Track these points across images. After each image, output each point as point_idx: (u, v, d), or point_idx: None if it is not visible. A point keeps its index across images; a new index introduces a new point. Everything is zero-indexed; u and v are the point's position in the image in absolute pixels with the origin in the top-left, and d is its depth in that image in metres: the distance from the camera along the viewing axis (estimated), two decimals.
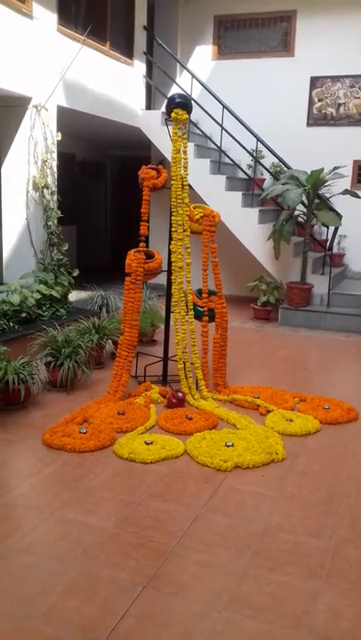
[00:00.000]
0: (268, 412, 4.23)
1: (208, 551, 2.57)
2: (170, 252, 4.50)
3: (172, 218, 4.44)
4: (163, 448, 3.52)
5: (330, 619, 2.18)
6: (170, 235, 4.49)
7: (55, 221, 6.13)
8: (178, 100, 4.32)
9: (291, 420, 4.04)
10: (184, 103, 4.31)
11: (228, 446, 3.54)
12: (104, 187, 11.45)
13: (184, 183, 4.42)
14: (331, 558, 2.56)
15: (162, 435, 3.77)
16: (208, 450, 3.51)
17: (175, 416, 4.04)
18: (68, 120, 6.57)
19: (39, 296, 5.67)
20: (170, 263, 4.52)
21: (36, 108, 5.86)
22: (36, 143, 5.90)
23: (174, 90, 8.17)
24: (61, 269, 6.17)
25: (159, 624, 2.12)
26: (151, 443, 3.57)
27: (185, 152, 4.40)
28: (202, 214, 4.52)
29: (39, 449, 3.55)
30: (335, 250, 8.12)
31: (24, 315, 5.43)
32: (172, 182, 4.40)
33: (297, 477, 3.31)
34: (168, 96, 4.49)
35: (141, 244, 4.43)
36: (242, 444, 3.58)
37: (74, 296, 6.88)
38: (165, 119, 4.43)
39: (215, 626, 2.13)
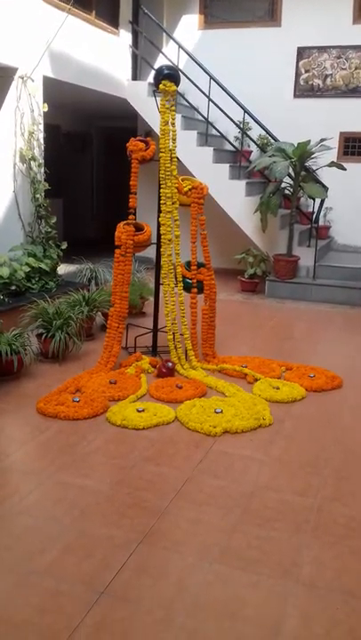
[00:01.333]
0: (256, 380, 4.35)
1: (199, 510, 2.70)
2: (159, 225, 4.55)
3: (161, 190, 4.48)
4: (154, 415, 3.63)
5: (315, 569, 2.33)
6: (159, 207, 4.53)
7: (43, 194, 6.13)
8: (166, 71, 4.32)
9: (277, 388, 4.16)
10: (172, 75, 4.32)
11: (217, 413, 3.66)
12: (90, 159, 11.35)
13: (173, 155, 4.45)
14: (316, 515, 2.70)
15: (153, 403, 3.87)
16: (198, 416, 3.62)
17: (166, 385, 4.14)
18: (54, 91, 6.50)
19: (28, 269, 5.70)
20: (159, 236, 4.57)
21: (22, 78, 5.80)
22: (23, 115, 5.86)
23: (161, 60, 8.09)
24: (50, 242, 6.19)
25: (154, 576, 2.25)
26: (143, 410, 3.68)
27: (173, 124, 4.42)
28: (190, 186, 4.56)
29: (33, 417, 3.64)
30: (321, 222, 8.19)
31: (13, 287, 5.46)
32: (161, 154, 4.42)
33: (283, 441, 3.44)
34: (156, 68, 4.46)
35: (131, 217, 4.47)
36: (230, 411, 3.70)
37: (62, 269, 6.90)
38: (153, 91, 4.43)
39: (207, 577, 2.26)
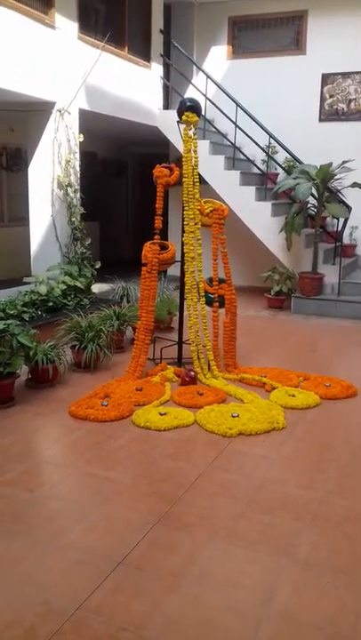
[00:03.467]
0: (274, 388, 4.62)
1: (210, 499, 2.99)
2: (183, 244, 4.90)
3: (184, 212, 4.84)
4: (175, 418, 3.94)
5: (310, 550, 2.58)
6: (182, 228, 4.89)
7: (78, 217, 6.59)
8: (188, 104, 4.72)
9: (293, 396, 4.42)
10: (194, 107, 4.71)
11: (233, 417, 3.94)
12: (125, 183, 11.90)
13: (195, 180, 4.82)
14: (317, 506, 2.94)
15: (175, 407, 4.19)
16: (216, 419, 3.91)
17: (188, 392, 4.46)
18: (90, 121, 7.01)
19: (64, 287, 6.14)
20: (183, 254, 4.92)
21: (60, 111, 6.31)
22: (60, 145, 6.36)
23: (190, 90, 8.57)
24: (84, 262, 6.63)
25: (166, 551, 2.55)
26: (165, 414, 3.99)
27: (195, 151, 4.79)
28: (212, 208, 4.91)
29: (66, 419, 4.00)
30: (347, 241, 8.43)
31: (51, 304, 5.90)
32: (184, 179, 4.80)
33: (294, 443, 3.69)
34: (180, 100, 4.87)
35: (156, 237, 4.84)
36: (246, 415, 3.98)
37: (96, 288, 7.33)
38: (177, 121, 4.82)
39: (213, 553, 2.55)
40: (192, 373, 4.73)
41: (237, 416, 3.96)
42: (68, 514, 2.85)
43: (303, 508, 2.92)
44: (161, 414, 3.98)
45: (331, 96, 8.82)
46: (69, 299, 6.23)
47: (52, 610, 2.17)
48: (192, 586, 2.33)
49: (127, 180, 11.91)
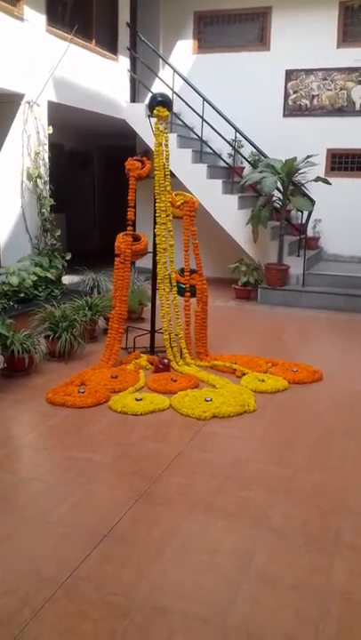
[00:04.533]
0: (244, 374, 4.80)
1: (188, 476, 3.14)
2: (154, 235, 5.03)
3: (156, 204, 4.96)
4: (151, 403, 4.08)
5: (284, 520, 2.76)
6: (154, 219, 5.01)
7: (48, 209, 6.63)
8: (159, 98, 4.84)
9: (262, 381, 4.61)
10: (165, 102, 4.83)
11: (207, 401, 4.11)
12: (91, 175, 11.91)
13: (166, 173, 4.94)
14: (288, 480, 3.14)
15: (150, 393, 4.32)
16: (190, 404, 4.07)
17: (162, 379, 4.60)
18: (58, 113, 7.03)
19: (35, 278, 6.18)
20: (155, 245, 5.05)
21: (29, 103, 6.33)
22: (29, 136, 6.38)
23: (157, 83, 8.67)
24: (55, 253, 6.68)
25: (148, 524, 2.69)
26: (141, 399, 4.13)
27: (166, 145, 4.91)
28: (183, 201, 5.04)
29: (43, 406, 4.09)
30: (311, 233, 8.70)
31: (22, 295, 5.94)
32: (156, 172, 4.91)
33: (265, 424, 3.88)
34: (150, 95, 4.98)
35: (129, 228, 4.95)
36: (219, 399, 4.15)
37: (67, 279, 7.38)
38: (148, 115, 4.93)
39: (193, 525, 2.70)
40: (165, 361, 4.87)
41: (210, 400, 4.12)
42: (53, 493, 2.96)
43: (276, 482, 3.11)
44: (137, 400, 4.11)
45: (294, 92, 9.05)
46: (40, 290, 6.28)
47: (45, 579, 2.29)
48: (175, 554, 2.48)
49: (93, 172, 11.92)
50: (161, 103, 4.80)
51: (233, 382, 4.60)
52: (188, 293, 5.16)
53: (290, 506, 2.89)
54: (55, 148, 10.29)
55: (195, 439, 3.60)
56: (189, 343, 5.18)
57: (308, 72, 8.94)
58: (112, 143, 10.97)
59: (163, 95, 4.90)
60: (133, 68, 8.68)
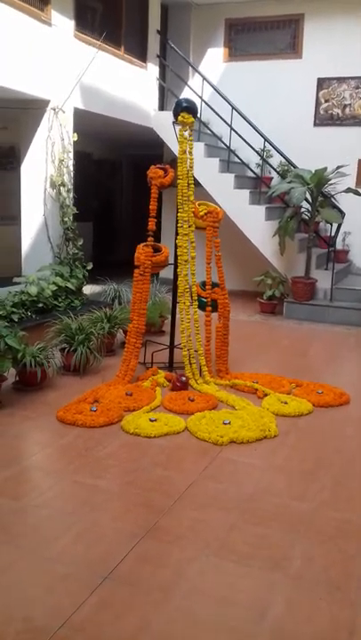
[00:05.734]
0: (266, 395, 4.55)
1: (201, 510, 2.91)
2: (176, 246, 4.83)
3: (179, 214, 4.77)
4: (165, 424, 3.86)
5: (304, 564, 2.51)
6: (176, 230, 4.82)
7: (71, 217, 6.50)
8: (184, 104, 4.65)
9: (285, 403, 4.35)
10: (190, 107, 4.64)
11: (225, 424, 3.87)
12: (120, 185, 11.82)
13: (190, 182, 4.74)
14: (311, 517, 2.88)
15: (166, 413, 4.11)
16: (207, 427, 3.84)
17: (178, 398, 4.38)
18: (85, 121, 6.93)
19: (55, 288, 6.04)
20: (176, 257, 4.85)
21: (54, 110, 6.22)
22: (54, 143, 6.27)
23: (186, 91, 8.51)
24: (76, 263, 6.54)
25: (155, 564, 2.46)
26: (155, 420, 3.91)
27: (191, 152, 4.72)
28: (206, 211, 4.84)
29: (53, 424, 3.91)
30: (340, 246, 8.41)
31: (41, 305, 5.80)
32: (179, 181, 4.72)
33: (286, 451, 3.63)
34: (176, 101, 4.80)
35: (149, 239, 4.76)
36: (238, 422, 3.91)
37: (88, 289, 7.25)
38: (173, 122, 4.75)
39: (203, 567, 2.47)
40: (183, 378, 4.65)
41: (229, 423, 3.88)
42: (55, 523, 2.76)
43: (296, 519, 2.85)
44: (151, 420, 3.90)
45: (326, 101, 8.79)
46: (60, 300, 6.14)
47: (34, 627, 2.08)
48: (182, 601, 2.25)
49: (122, 182, 11.83)
50: (186, 109, 4.61)
51: (254, 404, 4.36)
52: (210, 308, 4.94)
53: (310, 547, 2.63)
54: (83, 156, 10.25)
55: (210, 467, 3.37)
56: (209, 360, 4.95)
57: (341, 80, 8.68)
58: (140, 152, 10.86)
59: (188, 101, 4.72)
60: (162, 76, 8.56)
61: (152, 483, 3.16)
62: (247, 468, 3.37)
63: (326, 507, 2.98)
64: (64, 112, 6.29)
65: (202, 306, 4.93)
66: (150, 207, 4.74)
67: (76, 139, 6.47)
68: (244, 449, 3.63)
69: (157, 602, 2.24)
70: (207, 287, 4.93)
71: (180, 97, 8.13)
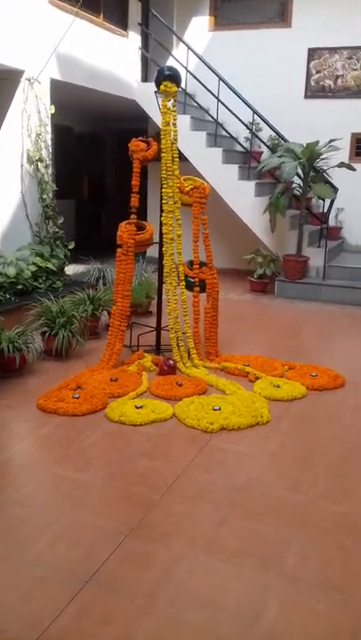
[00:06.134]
0: (257, 378, 4.36)
1: (189, 503, 2.73)
2: (161, 224, 4.59)
3: (163, 190, 4.51)
4: (152, 411, 3.67)
5: (299, 562, 2.34)
6: (161, 207, 4.57)
7: (50, 194, 6.21)
8: (167, 72, 4.37)
9: (278, 387, 4.17)
10: (173, 75, 4.36)
11: (215, 410, 3.68)
12: (103, 160, 11.46)
13: (174, 155, 4.49)
14: (305, 510, 2.70)
15: (152, 400, 3.91)
16: (196, 413, 3.65)
17: (166, 382, 4.18)
18: (63, 93, 6.60)
19: (35, 268, 5.78)
20: (161, 235, 4.61)
21: (29, 81, 5.89)
22: (30, 116, 5.95)
23: (171, 62, 8.15)
24: (57, 242, 6.27)
25: (139, 566, 2.28)
26: (141, 407, 3.71)
27: (175, 124, 4.45)
28: (192, 186, 4.59)
29: (34, 413, 3.70)
30: (332, 223, 8.18)
31: (20, 287, 5.55)
32: (163, 155, 4.46)
33: (279, 438, 3.45)
34: (158, 69, 4.51)
35: (132, 216, 4.51)
36: (229, 408, 3.72)
37: (71, 269, 7.00)
38: (155, 92, 4.47)
39: (192, 567, 2.29)
40: (171, 362, 4.45)
41: (219, 409, 3.70)
42: (33, 522, 2.56)
43: (290, 512, 2.68)
44: (137, 407, 3.70)
45: (317, 72, 8.48)
46: (40, 281, 5.88)
47: None
48: (169, 608, 2.07)
49: (104, 157, 11.47)
50: (169, 77, 4.33)
51: (245, 388, 4.17)
52: (198, 288, 4.72)
53: (306, 544, 2.46)
54: (63, 130, 9.87)
55: (199, 456, 3.18)
56: (198, 342, 4.75)
57: (333, 51, 8.36)
58: (124, 126, 10.48)
59: (171, 69, 4.43)
60: (145, 46, 8.19)
61: (137, 475, 2.97)
62: (238, 457, 3.19)
63: (322, 498, 2.81)
64: (40, 83, 5.96)
65: (189, 286, 4.71)
66: (132, 182, 4.48)
67: (53, 111, 6.15)
68: (234, 436, 3.45)
69: (142, 608, 2.06)
70: (195, 266, 4.71)
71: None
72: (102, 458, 3.14)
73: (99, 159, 11.38)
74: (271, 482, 2.94)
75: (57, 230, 6.26)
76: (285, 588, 2.19)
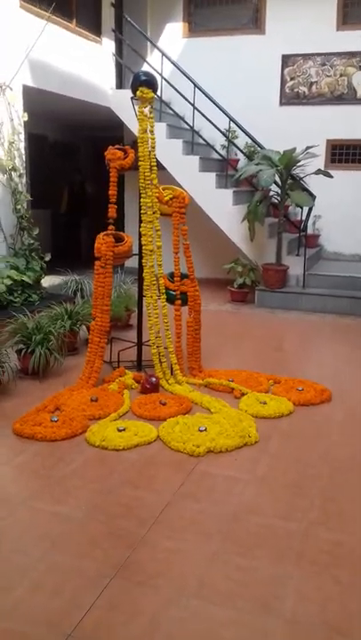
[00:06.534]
0: (243, 394, 4.22)
1: (178, 537, 2.55)
2: (140, 235, 4.42)
3: (141, 200, 4.35)
4: (135, 435, 3.49)
5: (298, 602, 2.18)
6: (140, 217, 4.41)
7: (25, 205, 6.00)
8: (143, 77, 4.21)
9: (264, 403, 4.03)
10: (149, 81, 4.21)
11: (201, 431, 3.52)
12: (77, 168, 11.26)
13: (152, 164, 4.33)
14: (300, 541, 2.56)
15: (135, 421, 3.73)
16: (181, 435, 3.48)
17: (149, 401, 4.00)
18: (37, 100, 6.41)
19: (10, 282, 5.57)
20: (140, 246, 4.45)
21: (1, 87, 5.69)
22: (2, 124, 5.74)
23: (145, 68, 8.00)
24: (33, 254, 6.06)
25: (127, 614, 2.10)
26: (124, 429, 3.53)
27: (152, 132, 4.30)
28: (171, 196, 4.44)
29: (9, 439, 3.49)
30: (310, 230, 8.11)
31: None
32: (140, 163, 4.31)
33: (269, 460, 3.30)
34: (134, 74, 4.35)
35: (110, 227, 4.34)
36: (215, 429, 3.56)
37: (48, 281, 6.78)
38: (131, 98, 4.32)
39: (183, 613, 2.12)
40: (153, 379, 4.28)
41: (205, 430, 3.53)
42: (9, 567, 2.36)
43: (285, 544, 2.53)
44: (119, 430, 3.52)
45: (292, 78, 8.43)
46: (16, 295, 5.66)
47: None
48: None
49: (79, 166, 11.27)
50: (145, 83, 4.18)
51: (231, 405, 4.02)
52: (179, 301, 4.56)
53: (304, 580, 2.31)
54: (38, 139, 9.66)
55: (186, 483, 3.01)
56: (181, 357, 4.58)
57: (306, 57, 8.33)
58: (99, 134, 10.31)
59: (147, 74, 4.28)
60: (119, 52, 8.04)
61: (121, 506, 2.78)
62: (227, 483, 3.03)
63: (316, 526, 2.66)
64: (12, 89, 5.76)
65: (170, 299, 4.55)
66: (110, 192, 4.30)
67: (26, 119, 5.95)
68: (222, 459, 3.29)
69: None
70: (176, 279, 4.55)
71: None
72: (83, 488, 2.95)
73: (75, 168, 11.17)
74: (263, 510, 2.79)
75: (32, 242, 6.05)
76: (285, 633, 2.04)
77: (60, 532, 2.57)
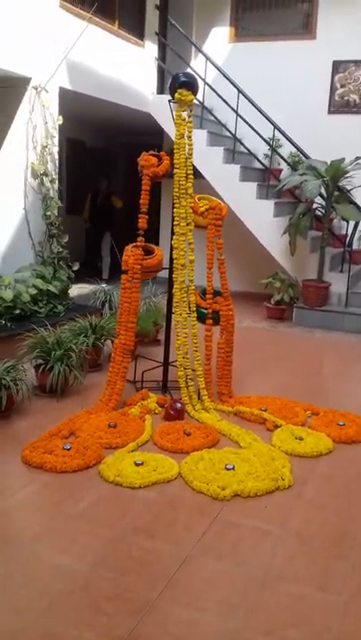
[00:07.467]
0: (276, 427, 3.82)
1: (195, 605, 2.18)
2: (171, 248, 4.09)
3: (175, 210, 4.03)
4: (154, 470, 3.13)
5: None
6: (172, 229, 4.08)
7: (55, 211, 5.76)
8: (182, 79, 3.90)
9: (301, 439, 3.62)
10: (189, 82, 3.89)
11: (228, 469, 3.14)
12: (116, 176, 11.05)
13: (188, 172, 4.00)
14: (340, 619, 2.15)
15: (155, 453, 3.37)
16: (205, 473, 3.11)
17: (172, 430, 3.65)
18: (74, 104, 6.18)
19: (35, 291, 5.31)
20: (171, 260, 4.11)
21: (36, 89, 5.47)
22: (35, 127, 5.52)
23: None
24: (60, 263, 5.80)
25: None
26: (142, 463, 3.18)
27: (190, 137, 3.98)
28: (207, 206, 4.09)
29: (16, 467, 3.19)
30: (356, 246, 7.63)
31: (18, 311, 5.07)
32: (176, 171, 3.98)
33: (304, 509, 2.90)
34: (172, 75, 4.04)
35: (140, 239, 4.02)
36: (244, 468, 3.18)
37: (76, 291, 6.54)
38: (169, 100, 4.01)
39: None
40: (178, 405, 3.92)
41: (233, 468, 3.16)
42: None
43: (321, 623, 2.13)
44: (137, 464, 3.17)
45: (342, 86, 8.01)
46: (40, 305, 5.40)
47: None
48: None
49: (117, 172, 11.06)
50: (184, 85, 3.86)
51: (262, 438, 3.63)
52: (211, 320, 4.20)
53: None
54: (77, 145, 9.49)
55: (208, 534, 2.64)
56: (210, 382, 4.22)
57: (359, 64, 7.89)
58: (137, 141, 10.07)
59: (187, 75, 3.96)
60: (162, 57, 7.79)
61: (132, 560, 2.43)
62: (255, 537, 2.64)
63: (358, 599, 2.25)
64: (47, 92, 5.53)
65: (201, 318, 4.20)
66: (141, 201, 3.99)
67: (61, 122, 5.71)
68: (251, 506, 2.90)
69: None
70: (208, 296, 4.19)
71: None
72: (91, 534, 2.61)
73: (112, 174, 10.96)
74: (296, 575, 2.39)
75: (61, 250, 5.79)
76: None
77: (61, 591, 2.23)
